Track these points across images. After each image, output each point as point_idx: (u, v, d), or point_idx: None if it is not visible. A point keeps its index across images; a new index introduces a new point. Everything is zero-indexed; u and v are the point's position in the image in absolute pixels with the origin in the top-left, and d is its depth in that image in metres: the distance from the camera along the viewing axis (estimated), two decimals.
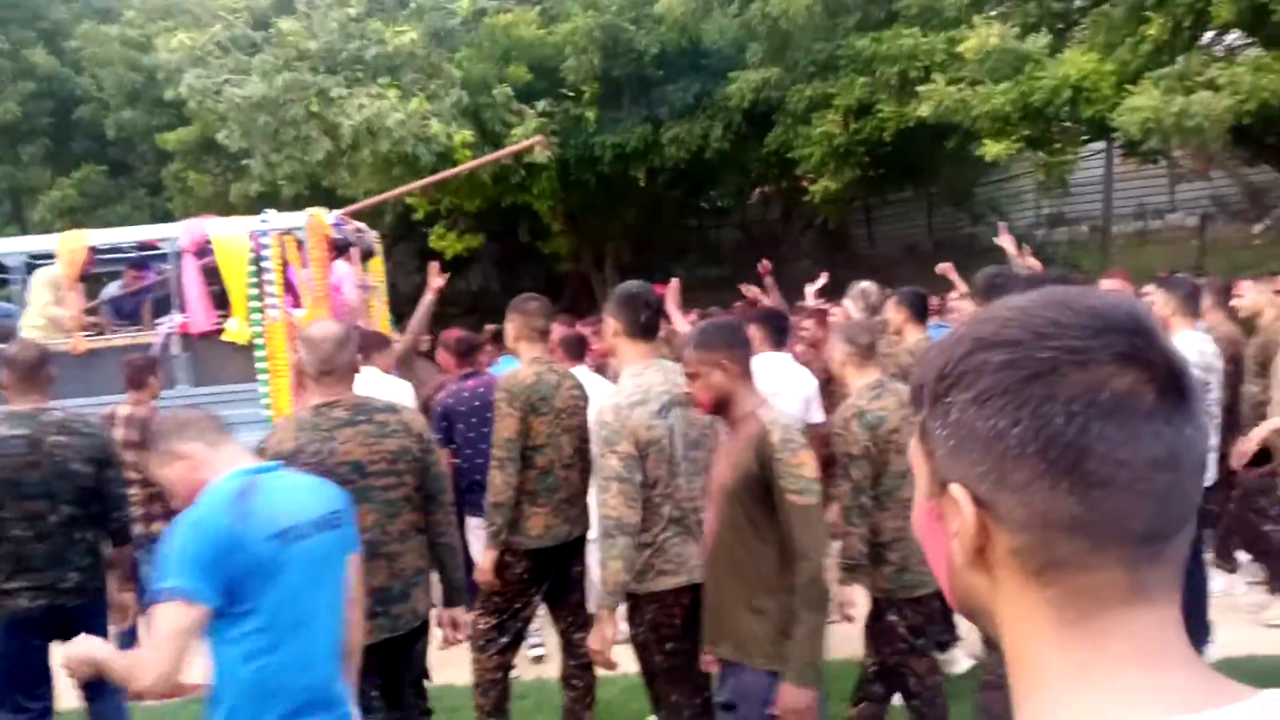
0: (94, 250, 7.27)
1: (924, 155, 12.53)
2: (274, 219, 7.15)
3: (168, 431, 2.38)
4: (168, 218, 13.02)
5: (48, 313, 7.07)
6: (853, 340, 3.44)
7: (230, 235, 6.95)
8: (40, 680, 3.52)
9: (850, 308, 4.53)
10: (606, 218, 14.56)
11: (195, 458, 2.31)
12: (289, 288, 7.04)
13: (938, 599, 3.34)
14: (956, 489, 0.70)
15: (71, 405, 4.51)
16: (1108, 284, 5.50)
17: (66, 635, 3.49)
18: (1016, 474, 0.66)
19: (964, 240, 17.03)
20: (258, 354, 6.82)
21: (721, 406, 2.72)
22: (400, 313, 20.09)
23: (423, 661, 3.21)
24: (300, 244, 7.06)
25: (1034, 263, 5.89)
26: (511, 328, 3.81)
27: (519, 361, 3.86)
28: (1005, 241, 5.88)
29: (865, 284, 4.57)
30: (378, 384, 4.88)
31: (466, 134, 11.04)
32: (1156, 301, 4.52)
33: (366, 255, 8.19)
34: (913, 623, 3.38)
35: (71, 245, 7.20)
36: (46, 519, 3.43)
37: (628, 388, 3.06)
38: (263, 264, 6.86)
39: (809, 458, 2.57)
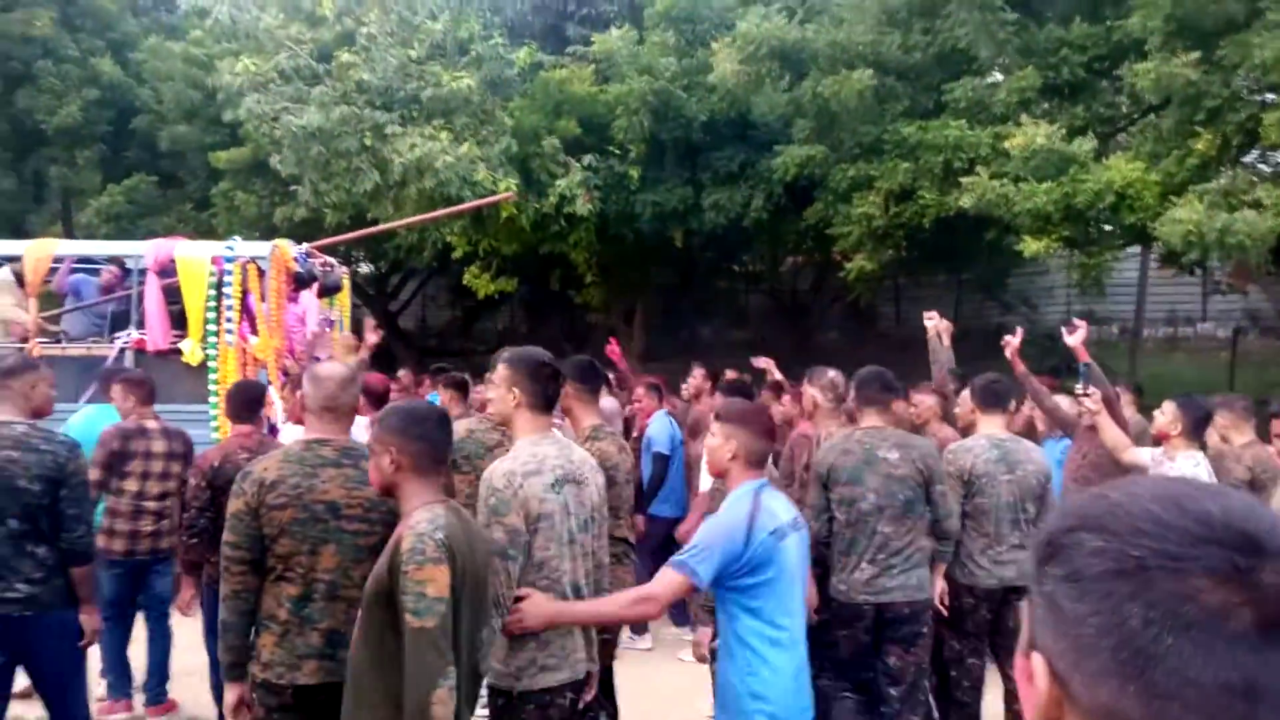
0: (59, 260, 7.44)
1: (960, 243, 12.60)
2: (240, 247, 7.28)
3: None
4: (211, 233, 13.25)
5: (7, 314, 7.16)
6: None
7: (194, 258, 7.08)
8: None
9: (818, 396, 4.50)
10: (639, 274, 14.70)
11: None
12: (247, 314, 7.13)
13: None
14: (1037, 659, 0.70)
15: None
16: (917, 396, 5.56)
17: (18, 645, 3.53)
18: (1089, 662, 0.65)
19: (991, 329, 17.01)
20: (210, 376, 6.90)
21: (389, 494, 2.58)
22: (423, 346, 20.06)
23: None
24: (262, 273, 7.16)
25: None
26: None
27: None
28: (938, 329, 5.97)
29: (833, 373, 4.59)
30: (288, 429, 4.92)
31: (512, 181, 11.22)
32: (1166, 416, 4.49)
33: (331, 290, 8.26)
34: None
35: (38, 253, 7.35)
36: None
37: (524, 455, 2.89)
38: (224, 289, 6.99)
39: (438, 574, 2.30)
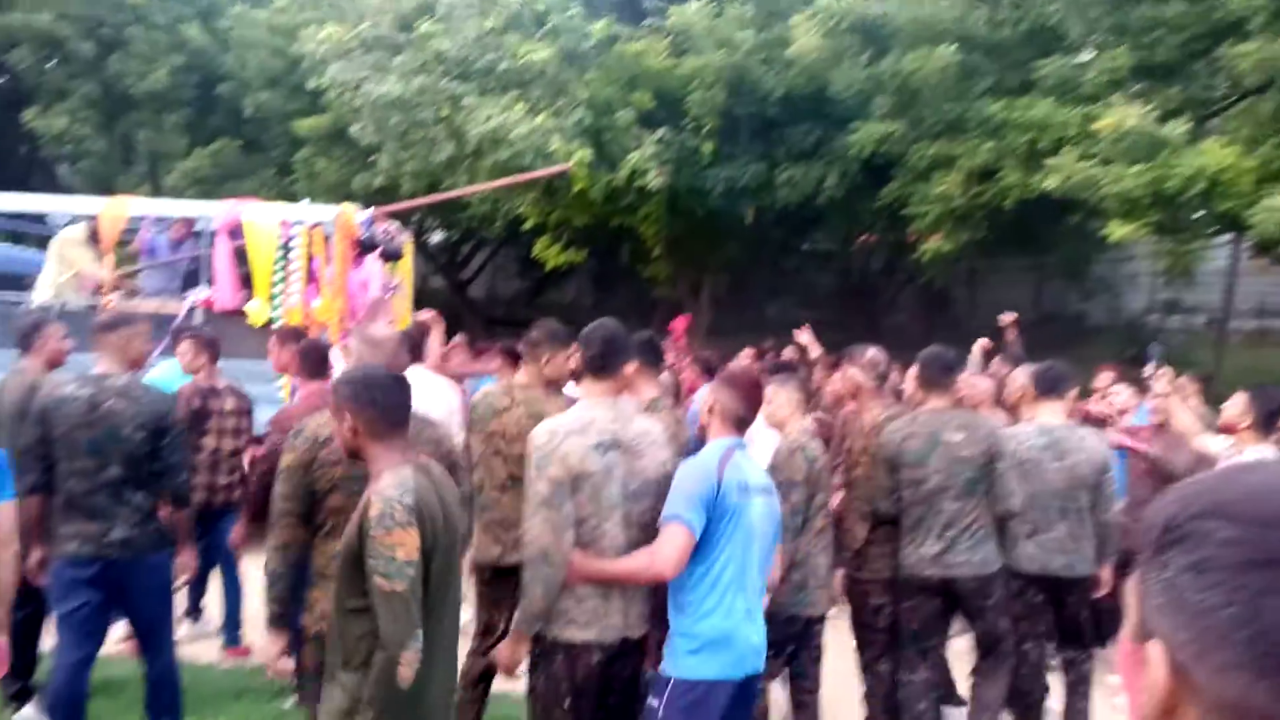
0: (136, 219, 7.72)
1: (1042, 227, 12.26)
2: (306, 211, 7.43)
3: None
4: (292, 199, 13.54)
5: (83, 268, 7.44)
6: (803, 389, 4.18)
7: (263, 222, 7.27)
8: (87, 627, 3.68)
9: (859, 376, 4.49)
10: (708, 249, 14.62)
11: None
12: (312, 278, 7.29)
13: (818, 622, 3.96)
14: (1154, 648, 0.68)
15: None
16: (1103, 377, 5.38)
17: (117, 587, 3.69)
18: (1218, 655, 0.63)
19: (1071, 316, 16.59)
20: None
21: (355, 458, 2.69)
22: (490, 315, 20.27)
23: None
24: (327, 238, 7.30)
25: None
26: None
27: None
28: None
29: (873, 351, 4.55)
30: (425, 383, 5.10)
31: (585, 153, 11.23)
32: (1236, 407, 4.27)
33: (392, 256, 8.40)
34: (779, 637, 3.67)
35: (113, 212, 7.61)
36: (97, 475, 3.65)
37: (570, 416, 3.00)
38: (290, 252, 7.15)
39: (407, 538, 2.38)
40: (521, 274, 20.78)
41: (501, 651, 3.03)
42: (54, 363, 4.43)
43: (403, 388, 2.69)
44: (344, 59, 11.30)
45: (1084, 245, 13.63)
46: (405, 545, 2.37)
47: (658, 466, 3.08)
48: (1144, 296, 16.69)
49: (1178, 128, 8.99)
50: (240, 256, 7.41)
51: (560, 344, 3.85)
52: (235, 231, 7.38)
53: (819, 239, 17.19)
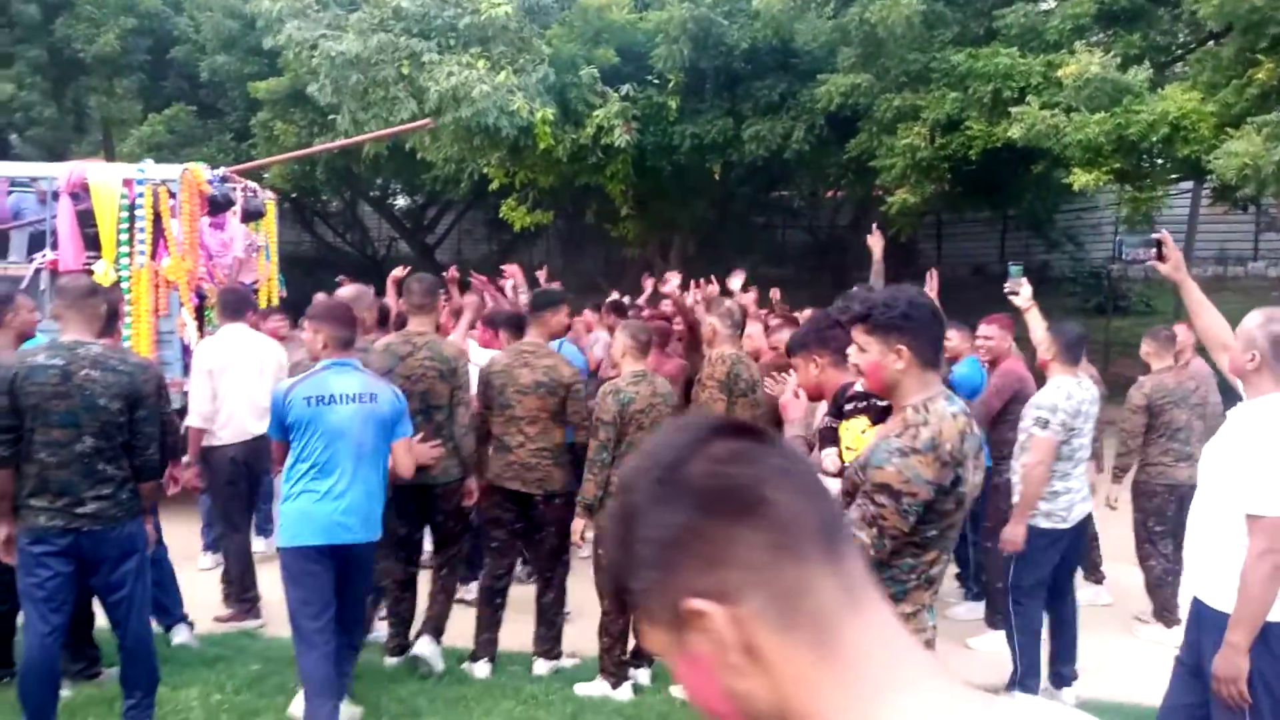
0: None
1: (1006, 177, 12.31)
2: (150, 169, 7.35)
3: None
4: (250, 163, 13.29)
5: None
6: (634, 337, 4.51)
7: (107, 181, 7.15)
8: (55, 600, 3.60)
9: (716, 324, 5.01)
10: (676, 207, 14.54)
11: None
12: (162, 237, 7.19)
13: None
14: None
15: None
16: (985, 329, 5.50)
17: (85, 558, 3.65)
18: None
19: (1036, 267, 16.72)
20: (124, 298, 6.84)
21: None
22: (458, 279, 20.10)
23: None
24: (173, 196, 7.20)
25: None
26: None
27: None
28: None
29: (730, 303, 5.22)
30: (246, 340, 5.40)
31: (549, 111, 11.10)
32: (1042, 342, 4.53)
33: (253, 215, 8.27)
34: None
35: None
36: (70, 447, 3.56)
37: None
38: (135, 212, 7.06)
39: None
40: (489, 237, 20.61)
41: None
42: (24, 336, 4.33)
43: None
44: (300, 17, 11.04)
45: (1047, 196, 13.74)
46: None
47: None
48: (1106, 246, 16.88)
49: (1140, 74, 9.04)
50: (88, 217, 7.27)
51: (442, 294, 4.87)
52: (81, 192, 7.24)
53: (787, 195, 17.18)
